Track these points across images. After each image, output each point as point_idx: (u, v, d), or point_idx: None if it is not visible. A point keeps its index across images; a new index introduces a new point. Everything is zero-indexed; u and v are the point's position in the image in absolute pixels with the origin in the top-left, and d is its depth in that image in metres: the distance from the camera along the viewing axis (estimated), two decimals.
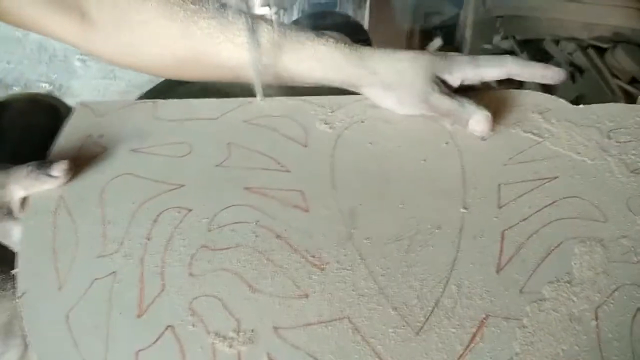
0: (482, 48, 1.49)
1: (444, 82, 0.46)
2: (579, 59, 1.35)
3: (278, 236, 0.40)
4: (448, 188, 0.43)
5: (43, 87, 1.66)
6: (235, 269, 0.39)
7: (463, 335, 0.34)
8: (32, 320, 0.37)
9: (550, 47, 1.42)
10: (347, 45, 0.48)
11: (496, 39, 1.48)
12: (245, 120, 0.50)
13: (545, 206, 0.41)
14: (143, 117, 0.51)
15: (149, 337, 0.36)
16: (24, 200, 0.44)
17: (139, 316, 0.37)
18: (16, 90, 1.69)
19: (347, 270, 0.38)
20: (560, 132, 0.45)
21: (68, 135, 0.50)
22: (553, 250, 0.38)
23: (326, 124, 0.48)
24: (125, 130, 0.50)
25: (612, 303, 0.35)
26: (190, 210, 0.43)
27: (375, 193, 0.43)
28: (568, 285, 0.36)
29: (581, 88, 1.31)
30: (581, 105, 0.48)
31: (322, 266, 0.39)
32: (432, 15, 1.59)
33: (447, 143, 0.46)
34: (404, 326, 0.35)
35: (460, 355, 0.33)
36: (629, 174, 0.42)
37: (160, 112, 0.51)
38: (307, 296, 0.37)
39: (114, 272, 0.39)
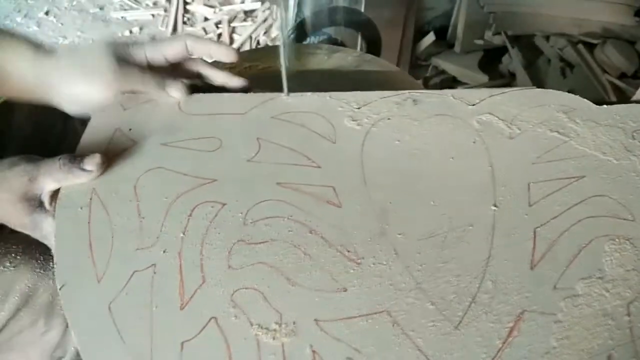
0: (475, 43, 1.53)
1: (134, 65, 0.50)
2: (569, 54, 1.38)
3: (312, 231, 0.41)
4: (478, 186, 0.44)
5: None
6: (272, 262, 0.39)
7: (501, 330, 0.35)
8: (73, 311, 0.38)
9: (541, 43, 1.47)
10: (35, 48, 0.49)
11: (488, 34, 1.52)
12: (273, 116, 0.50)
13: (575, 204, 0.42)
14: (170, 111, 0.51)
15: (193, 328, 0.36)
16: (54, 194, 0.44)
17: (181, 308, 0.38)
18: None
19: (383, 265, 0.39)
20: (586, 132, 0.46)
21: (96, 128, 0.50)
22: (584, 247, 0.39)
23: (353, 120, 0.49)
24: (153, 123, 0.50)
25: None
26: (224, 204, 0.43)
27: (405, 190, 0.44)
28: (600, 281, 0.37)
29: (571, 83, 1.35)
30: (604, 106, 0.49)
31: (358, 261, 0.39)
32: (425, 10, 1.62)
33: (474, 142, 0.47)
34: (442, 320, 0.36)
35: (500, 349, 0.35)
36: None
37: (186, 106, 0.51)
38: (345, 290, 0.38)
39: (153, 265, 0.40)
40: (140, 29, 1.76)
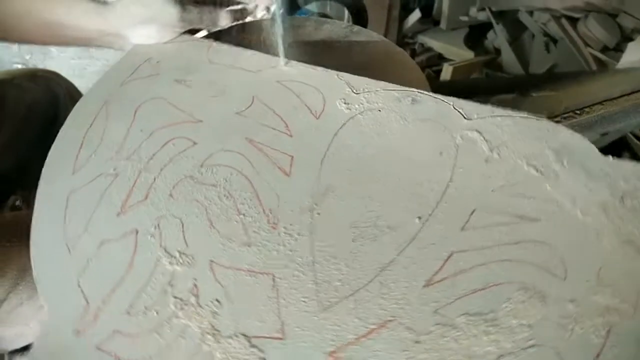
0: (460, 20, 1.58)
1: (191, 5, 0.56)
2: (553, 28, 1.42)
3: (251, 188, 0.45)
4: (423, 196, 0.43)
5: (17, 68, 1.56)
6: (205, 203, 0.44)
7: (361, 327, 0.36)
8: (41, 195, 0.47)
9: (524, 18, 1.50)
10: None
11: (473, 10, 1.57)
12: (279, 80, 0.54)
13: (509, 243, 0.40)
14: (196, 55, 0.58)
15: (117, 232, 0.43)
16: None
17: (117, 215, 0.44)
18: None
19: (292, 236, 0.42)
20: (567, 177, 0.43)
21: (131, 56, 0.58)
22: (491, 287, 0.38)
23: (345, 103, 0.51)
24: (178, 62, 0.57)
25: (519, 357, 0.34)
26: (195, 143, 0.49)
27: (354, 179, 0.45)
28: (484, 324, 0.36)
29: (555, 58, 1.39)
30: (610, 157, 0.44)
31: (273, 225, 0.42)
32: None
33: (445, 154, 0.46)
34: (313, 300, 0.38)
35: (347, 344, 0.36)
36: (618, 244, 0.39)
37: (212, 54, 0.58)
38: (249, 245, 0.41)
39: (116, 174, 0.47)
40: None
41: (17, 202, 0.75)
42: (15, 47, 1.66)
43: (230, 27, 0.65)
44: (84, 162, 0.49)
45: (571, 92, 0.80)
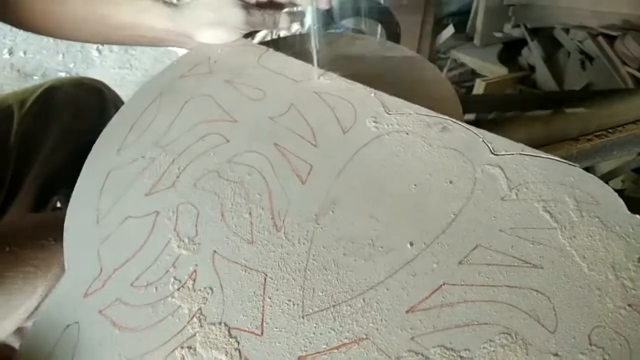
0: (494, 36, 1.58)
1: (247, 2, 0.60)
2: (589, 46, 1.40)
3: (268, 190, 0.47)
4: (428, 223, 0.43)
5: (65, 76, 1.63)
6: (222, 198, 0.48)
7: (334, 339, 0.37)
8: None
9: (560, 35, 1.48)
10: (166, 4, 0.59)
11: (507, 27, 1.57)
12: (317, 91, 0.56)
13: (505, 286, 0.39)
14: (250, 59, 0.62)
15: (141, 211, 0.47)
16: None
17: (146, 195, 0.49)
18: (36, 79, 1.70)
19: (292, 242, 0.44)
20: (582, 229, 0.41)
21: (192, 54, 0.63)
22: (474, 324, 0.37)
23: (375, 122, 0.52)
24: (232, 63, 0.61)
25: None
26: (228, 141, 0.52)
27: (364, 196, 0.46)
28: (452, 354, 0.35)
29: (591, 75, 1.36)
30: (638, 217, 0.41)
31: (278, 228, 0.45)
32: (445, 3, 1.64)
33: (457, 184, 0.45)
34: (297, 305, 0.40)
35: (317, 352, 0.37)
36: (621, 304, 0.37)
37: (264, 59, 0.61)
38: (251, 243, 0.44)
39: (153, 159, 0.52)
40: None
41: (58, 204, 0.78)
42: (60, 56, 1.77)
43: (267, 42, 0.69)
44: (129, 144, 0.54)
45: (605, 110, 0.76)
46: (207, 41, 0.64)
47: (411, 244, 0.42)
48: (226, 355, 0.38)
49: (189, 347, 0.39)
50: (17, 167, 0.67)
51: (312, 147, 0.51)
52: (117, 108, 0.75)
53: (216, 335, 0.39)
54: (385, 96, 0.55)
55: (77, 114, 0.74)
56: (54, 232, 0.54)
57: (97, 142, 0.55)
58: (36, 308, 0.51)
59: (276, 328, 0.39)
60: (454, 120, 0.51)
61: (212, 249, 0.44)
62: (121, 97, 0.85)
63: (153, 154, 0.53)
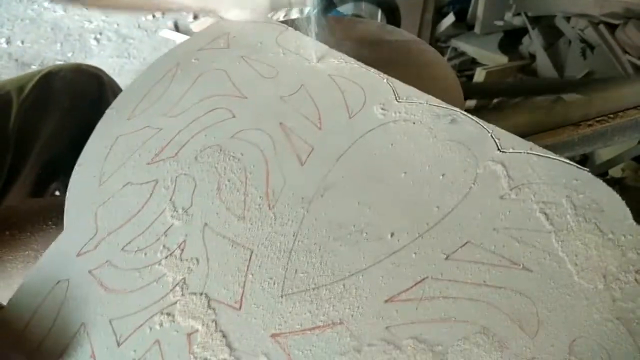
0: (495, 24, 1.57)
1: None
2: (591, 35, 1.39)
3: (266, 168, 0.48)
4: (420, 216, 0.43)
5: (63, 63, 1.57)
6: (220, 171, 0.48)
7: (308, 321, 0.38)
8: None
9: (561, 24, 1.47)
10: None
11: (508, 15, 1.55)
12: (330, 73, 0.56)
13: (489, 285, 0.38)
14: (268, 37, 0.62)
15: (142, 179, 0.49)
16: None
17: (147, 163, 0.50)
18: (34, 69, 1.64)
19: (283, 221, 0.44)
20: (578, 235, 0.39)
21: (212, 29, 0.64)
22: (452, 321, 0.37)
23: (383, 109, 0.51)
24: (250, 40, 0.62)
25: None
26: (234, 116, 0.53)
27: (359, 183, 0.46)
28: (430, 353, 0.35)
29: (592, 64, 1.36)
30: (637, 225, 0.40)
31: (270, 207, 0.45)
32: None
33: (456, 179, 0.44)
34: (278, 284, 0.40)
35: (292, 332, 0.37)
36: (608, 316, 0.35)
37: (282, 38, 0.61)
38: (243, 219, 0.44)
39: (159, 129, 0.53)
40: (163, 13, 1.79)
41: (57, 192, 0.78)
42: (58, 45, 1.77)
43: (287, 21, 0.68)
44: (139, 112, 0.55)
45: (605, 96, 0.74)
46: (231, 18, 0.65)
47: (398, 235, 0.42)
48: (202, 325, 0.39)
49: (168, 314, 0.40)
50: (16, 153, 0.67)
51: (317, 130, 0.51)
52: (115, 94, 0.77)
53: (195, 305, 0.40)
54: (397, 83, 0.54)
55: (75, 99, 0.74)
56: (53, 216, 0.55)
57: (109, 108, 0.57)
58: None
59: (254, 304, 0.39)
60: (464, 113, 0.50)
61: (203, 222, 0.45)
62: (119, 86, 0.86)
63: (160, 123, 0.54)
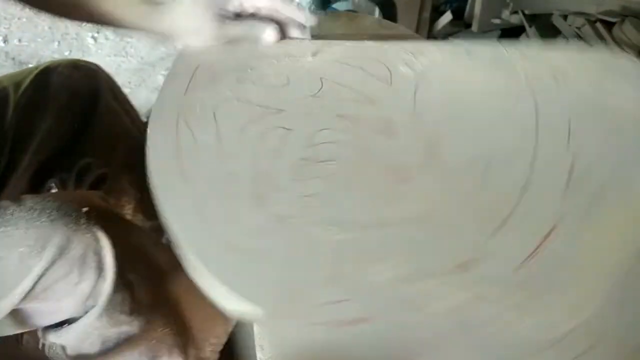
0: (492, 23, 1.56)
1: (228, 12, 0.58)
2: (587, 33, 1.40)
3: (367, 154, 0.49)
4: (520, 123, 0.49)
5: (61, 59, 1.67)
6: (329, 178, 0.47)
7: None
8: None
9: (558, 22, 1.47)
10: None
11: (505, 13, 1.55)
12: (336, 59, 0.58)
13: None
14: (245, 53, 0.60)
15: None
16: None
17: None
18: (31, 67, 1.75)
19: (427, 185, 0.45)
20: None
21: (181, 61, 0.60)
22: None
23: (408, 66, 0.56)
24: (230, 63, 0.59)
25: None
26: (290, 130, 0.51)
27: (452, 124, 0.50)
28: None
29: None
30: None
31: (406, 179, 0.46)
32: None
33: (520, 88, 0.52)
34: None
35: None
36: None
37: (260, 49, 0.61)
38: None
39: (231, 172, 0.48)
40: None
41: (53, 189, 0.76)
42: (55, 44, 1.76)
43: None
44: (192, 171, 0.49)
45: None
46: (183, 45, 0.61)
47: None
48: None
49: None
50: (13, 149, 0.67)
51: (373, 105, 0.53)
52: (112, 91, 0.78)
53: None
54: (396, 43, 0.59)
55: (72, 95, 0.74)
56: (47, 212, 0.52)
57: None
58: (32, 289, 0.50)
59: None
60: (466, 42, 0.58)
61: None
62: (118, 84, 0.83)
63: (229, 170, 0.49)
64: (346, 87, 0.55)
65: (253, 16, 0.61)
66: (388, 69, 0.56)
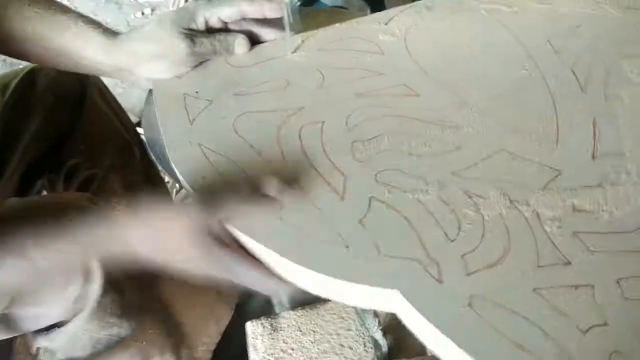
0: None
1: (194, 30, 0.55)
2: None
3: (409, 118, 0.51)
4: (510, 53, 0.57)
5: None
6: (390, 148, 0.48)
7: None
8: None
9: None
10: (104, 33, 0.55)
11: None
12: (320, 48, 0.59)
13: None
14: (222, 69, 0.57)
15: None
16: None
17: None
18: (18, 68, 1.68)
19: (474, 126, 0.50)
20: None
21: (164, 99, 0.54)
22: None
23: (386, 34, 0.60)
24: (215, 82, 0.55)
25: None
26: (323, 122, 0.51)
27: (462, 69, 0.55)
28: None
29: None
30: None
31: (456, 126, 0.50)
32: None
33: (489, 22, 0.59)
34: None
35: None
36: None
37: (234, 61, 0.57)
38: (459, 148, 0.48)
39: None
40: (152, 10, 1.79)
41: (44, 191, 0.77)
42: None
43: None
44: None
45: None
46: (149, 76, 0.56)
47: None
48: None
49: None
50: (1, 151, 0.67)
51: (382, 76, 0.55)
52: (100, 91, 0.77)
53: None
54: (364, 18, 0.63)
55: (60, 96, 0.72)
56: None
57: None
58: (18, 293, 0.49)
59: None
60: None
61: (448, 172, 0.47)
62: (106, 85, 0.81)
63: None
64: (346, 69, 0.56)
65: (219, 31, 0.57)
66: (371, 41, 0.58)
